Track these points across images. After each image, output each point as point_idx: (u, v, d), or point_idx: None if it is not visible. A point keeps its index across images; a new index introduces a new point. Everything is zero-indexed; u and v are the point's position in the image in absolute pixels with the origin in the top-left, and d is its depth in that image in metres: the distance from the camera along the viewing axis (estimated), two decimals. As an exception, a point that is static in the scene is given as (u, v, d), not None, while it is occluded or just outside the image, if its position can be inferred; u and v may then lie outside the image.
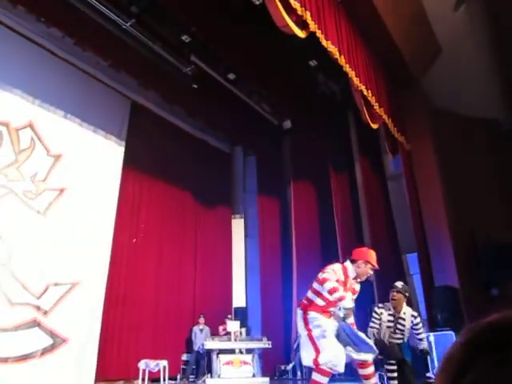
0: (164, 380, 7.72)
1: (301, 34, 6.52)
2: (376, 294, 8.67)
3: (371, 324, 4.95)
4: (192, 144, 11.81)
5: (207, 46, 8.95)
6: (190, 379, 9.31)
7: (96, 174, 9.03)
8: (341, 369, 3.80)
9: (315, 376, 3.82)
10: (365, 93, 7.65)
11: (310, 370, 4.31)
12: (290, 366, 10.02)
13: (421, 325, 4.89)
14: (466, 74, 8.67)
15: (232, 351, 8.71)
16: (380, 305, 5.10)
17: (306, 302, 4.10)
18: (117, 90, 9.85)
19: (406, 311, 4.89)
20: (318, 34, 6.46)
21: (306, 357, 3.92)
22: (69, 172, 8.50)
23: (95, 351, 8.11)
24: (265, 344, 8.80)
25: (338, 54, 6.86)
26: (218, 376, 8.32)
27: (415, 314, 4.94)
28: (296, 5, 5.88)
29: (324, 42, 6.62)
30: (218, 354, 8.54)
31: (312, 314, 3.96)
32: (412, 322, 4.84)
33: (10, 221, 7.40)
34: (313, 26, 6.31)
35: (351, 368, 4.01)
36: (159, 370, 7.74)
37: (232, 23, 8.16)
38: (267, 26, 6.83)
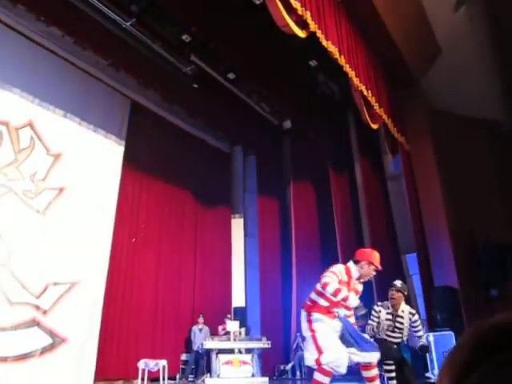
0: (163, 380, 7.72)
1: (301, 33, 6.51)
2: (375, 294, 8.67)
3: (369, 321, 4.96)
4: (192, 144, 11.81)
5: (207, 46, 8.95)
6: (190, 379, 9.31)
7: (96, 174, 9.02)
8: (343, 370, 3.80)
9: (317, 376, 3.83)
10: (365, 93, 7.65)
11: (311, 370, 4.32)
12: (290, 365, 10.03)
13: (419, 322, 4.90)
14: (466, 75, 8.66)
15: (231, 351, 8.71)
16: (379, 303, 5.11)
17: (309, 303, 4.10)
18: (117, 89, 9.84)
19: (404, 309, 4.90)
20: (318, 33, 6.45)
21: (309, 357, 3.92)
22: (68, 171, 8.49)
23: (94, 351, 8.10)
24: (264, 344, 8.80)
25: (338, 53, 6.86)
26: (218, 376, 8.32)
27: (413, 311, 4.95)
28: (296, 4, 5.88)
29: (324, 42, 6.62)
30: (217, 353, 8.54)
31: (316, 315, 3.97)
32: (410, 319, 4.85)
33: (9, 220, 7.39)
34: (313, 26, 6.31)
35: (353, 368, 4.01)
36: (158, 370, 7.74)
37: (232, 23, 8.16)
38: (267, 26, 6.84)
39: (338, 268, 4.08)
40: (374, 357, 3.97)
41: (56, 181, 8.27)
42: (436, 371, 7.08)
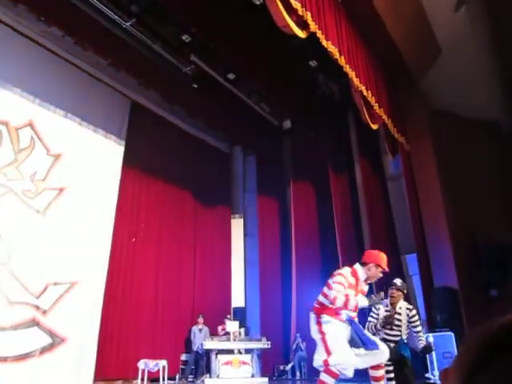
0: (163, 380, 7.72)
1: (301, 34, 6.52)
2: (375, 293, 8.66)
3: (369, 319, 4.97)
4: (192, 144, 11.82)
5: (207, 46, 8.95)
6: (189, 379, 9.31)
7: (96, 174, 9.02)
8: (350, 373, 3.81)
9: (323, 376, 3.83)
10: (365, 93, 7.65)
11: (311, 370, 4.32)
12: (289, 366, 10.02)
13: (417, 317, 4.90)
14: (467, 76, 8.66)
15: (231, 351, 8.71)
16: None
17: (318, 305, 4.10)
18: (117, 89, 9.84)
19: (402, 306, 4.91)
20: (319, 34, 6.46)
21: (318, 358, 3.92)
22: (68, 171, 8.49)
23: (94, 351, 8.10)
24: (264, 344, 8.80)
25: (338, 54, 6.86)
26: (217, 376, 8.32)
27: (410, 306, 4.96)
28: (297, 5, 5.88)
29: (324, 43, 6.62)
30: (216, 354, 8.54)
31: (325, 318, 3.97)
32: (408, 315, 4.85)
33: (9, 220, 7.39)
34: (313, 27, 6.31)
35: (358, 370, 4.02)
36: (158, 370, 7.74)
37: (232, 23, 8.16)
38: (267, 26, 6.83)
39: (345, 273, 4.07)
40: (382, 358, 3.99)
41: (56, 181, 8.27)
42: (436, 372, 7.08)
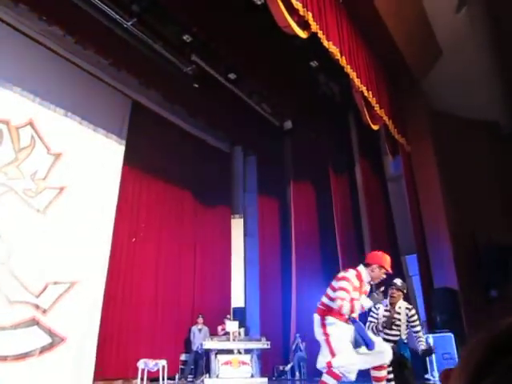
0: (163, 380, 7.72)
1: (302, 34, 6.51)
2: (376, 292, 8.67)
3: (370, 319, 4.97)
4: (192, 143, 11.82)
5: (208, 46, 8.96)
6: (189, 379, 9.31)
7: (96, 173, 9.02)
8: (352, 377, 3.81)
9: (325, 378, 3.83)
10: (366, 94, 7.65)
11: (312, 370, 4.32)
12: (289, 366, 10.02)
13: (416, 317, 4.90)
14: (467, 77, 8.67)
15: (230, 351, 8.71)
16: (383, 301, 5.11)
17: (322, 307, 4.09)
18: (118, 88, 9.85)
19: (401, 305, 4.91)
20: (320, 34, 6.46)
21: (322, 360, 3.92)
22: (69, 171, 8.49)
23: (94, 350, 8.10)
24: (263, 344, 8.80)
25: (339, 54, 6.86)
26: (217, 376, 8.32)
27: (410, 306, 4.96)
28: (298, 5, 5.88)
29: (325, 43, 6.62)
30: (216, 354, 8.54)
31: (330, 320, 3.97)
32: (407, 314, 4.86)
33: (9, 219, 7.39)
34: (314, 27, 6.31)
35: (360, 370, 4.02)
36: (158, 370, 7.74)
37: (233, 23, 8.16)
38: (268, 26, 6.84)
39: (349, 277, 4.05)
40: (385, 358, 4.00)
41: (56, 180, 8.27)
42: (436, 373, 7.08)
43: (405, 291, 5.04)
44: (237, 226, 12.64)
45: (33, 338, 7.22)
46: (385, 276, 4.22)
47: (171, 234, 10.68)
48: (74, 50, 8.67)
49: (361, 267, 4.19)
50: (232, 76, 10.13)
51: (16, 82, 7.96)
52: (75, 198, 8.45)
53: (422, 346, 4.77)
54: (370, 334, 4.14)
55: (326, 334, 3.92)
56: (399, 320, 4.84)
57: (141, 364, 7.66)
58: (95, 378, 7.96)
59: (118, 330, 8.91)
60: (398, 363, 4.61)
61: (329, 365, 3.80)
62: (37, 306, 7.43)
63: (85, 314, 8.09)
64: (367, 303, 3.99)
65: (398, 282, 4.98)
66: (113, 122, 9.69)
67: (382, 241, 9.24)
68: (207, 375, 8.63)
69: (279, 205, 12.27)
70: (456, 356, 6.98)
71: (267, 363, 9.82)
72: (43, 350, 7.32)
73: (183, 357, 9.87)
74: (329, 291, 4.11)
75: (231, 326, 9.08)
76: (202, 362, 9.32)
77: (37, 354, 7.21)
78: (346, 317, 3.98)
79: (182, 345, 10.08)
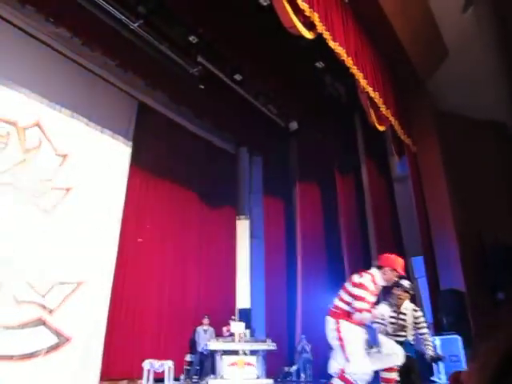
0: (168, 380, 7.72)
1: (308, 35, 6.51)
2: (381, 296, 8.63)
3: (377, 321, 4.95)
4: (198, 144, 11.84)
5: (214, 47, 8.98)
6: (194, 380, 9.30)
7: (103, 174, 9.06)
8: None
9: (336, 382, 3.82)
10: (372, 94, 7.63)
11: (322, 373, 4.31)
12: (294, 367, 9.99)
13: (423, 319, 4.88)
14: (474, 77, 8.62)
15: (236, 352, 8.69)
16: (384, 302, 5.09)
17: (337, 310, 4.07)
18: (124, 90, 9.89)
19: (408, 306, 4.90)
20: (326, 35, 6.45)
21: (334, 365, 3.91)
22: (76, 171, 8.54)
23: (100, 350, 8.13)
24: (269, 346, 8.78)
25: (345, 55, 6.85)
26: (222, 377, 8.31)
27: (416, 308, 4.95)
28: (304, 6, 5.88)
29: (331, 44, 6.60)
30: (221, 355, 8.53)
31: (345, 324, 3.94)
32: (414, 316, 4.84)
33: (16, 219, 7.44)
34: (320, 28, 6.30)
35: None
36: (163, 371, 7.74)
37: (239, 24, 8.17)
38: (274, 27, 6.83)
39: (366, 284, 3.99)
40: (397, 360, 3.99)
41: (63, 181, 8.32)
42: (442, 375, 7.03)
43: (412, 293, 5.02)
44: (242, 226, 12.64)
45: (39, 337, 7.26)
46: (396, 279, 4.24)
47: (177, 234, 10.69)
48: (80, 52, 8.72)
49: (374, 270, 4.16)
50: (238, 77, 10.14)
51: (23, 84, 8.02)
52: (82, 198, 8.49)
53: (430, 352, 4.75)
54: (382, 337, 4.12)
55: (341, 339, 3.89)
56: (405, 321, 4.82)
57: (146, 364, 7.66)
58: (100, 378, 7.98)
59: (124, 331, 8.92)
60: (405, 366, 4.59)
61: (342, 370, 3.79)
62: (43, 306, 7.47)
63: (91, 315, 8.12)
64: (386, 311, 3.98)
65: (405, 283, 4.95)
66: (119, 123, 9.73)
67: (388, 242, 9.20)
68: (212, 376, 8.62)
69: (285, 206, 12.25)
70: (463, 358, 6.93)
71: (273, 364, 9.79)
72: (49, 349, 7.35)
73: (188, 357, 9.86)
74: (343, 295, 4.08)
75: (237, 327, 9.06)
76: (207, 363, 9.31)
77: (43, 354, 7.24)
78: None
79: (187, 345, 10.07)
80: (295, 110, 11.37)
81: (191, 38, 8.87)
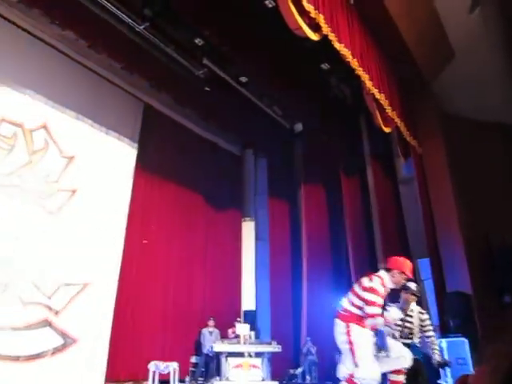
0: (174, 382, 7.72)
1: (314, 36, 6.50)
2: (387, 299, 8.60)
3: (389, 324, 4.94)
4: (203, 146, 11.85)
5: (219, 49, 8.98)
6: (199, 382, 9.29)
7: (108, 176, 9.10)
8: None
9: None
10: (377, 96, 7.61)
11: (328, 376, 4.30)
12: (299, 370, 9.96)
13: (429, 322, 4.87)
14: (480, 78, 8.57)
15: (241, 354, 8.68)
16: (390, 304, 5.07)
17: (347, 314, 4.04)
18: (130, 92, 9.92)
19: (414, 309, 4.88)
20: (331, 36, 6.44)
21: (343, 369, 3.89)
22: (81, 173, 8.57)
23: (105, 352, 8.14)
24: (274, 348, 8.75)
25: (350, 56, 6.83)
26: (227, 379, 8.30)
27: (423, 311, 4.93)
28: (309, 7, 5.87)
29: (337, 45, 6.59)
30: (227, 356, 8.52)
31: (355, 328, 3.92)
32: (420, 318, 4.82)
33: (22, 221, 7.48)
34: (326, 29, 6.29)
35: None
36: (169, 372, 7.74)
37: (244, 26, 8.18)
38: (279, 29, 6.83)
39: (377, 288, 3.97)
40: (405, 363, 3.98)
41: (69, 182, 8.36)
42: (449, 378, 6.98)
43: (418, 295, 5.00)
44: (247, 228, 12.63)
45: (45, 338, 7.29)
46: (404, 282, 4.24)
47: (182, 236, 10.70)
48: (86, 54, 8.75)
49: (383, 273, 4.14)
50: (243, 79, 10.16)
51: (29, 86, 8.06)
52: (87, 200, 8.52)
53: (437, 357, 4.72)
54: (390, 340, 4.11)
55: (351, 343, 3.87)
56: (411, 323, 4.80)
57: (152, 366, 7.67)
58: (106, 379, 7.99)
59: (130, 332, 8.93)
60: (412, 369, 4.56)
61: (351, 375, 3.77)
62: (49, 307, 7.50)
63: (96, 316, 8.14)
64: (398, 315, 3.98)
65: (412, 285, 4.93)
66: (125, 125, 9.76)
67: (394, 244, 9.17)
68: (218, 378, 8.61)
69: (290, 207, 12.24)
70: (470, 361, 6.88)
71: (278, 367, 9.76)
72: (55, 351, 7.38)
73: (194, 359, 9.85)
74: (353, 298, 4.05)
75: (242, 328, 9.05)
76: (212, 365, 9.30)
77: (49, 355, 7.27)
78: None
79: (192, 347, 10.06)
80: (300, 111, 11.36)
81: (197, 41, 8.89)
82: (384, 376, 4.09)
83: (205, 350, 9.54)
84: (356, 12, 7.51)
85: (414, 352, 4.66)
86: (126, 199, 9.37)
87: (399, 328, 4.77)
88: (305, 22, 6.24)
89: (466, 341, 7.11)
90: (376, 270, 4.29)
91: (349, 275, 9.61)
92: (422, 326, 4.83)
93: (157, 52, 9.05)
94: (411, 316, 4.83)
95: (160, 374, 7.73)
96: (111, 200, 9.01)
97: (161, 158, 10.41)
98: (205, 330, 9.86)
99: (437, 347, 4.82)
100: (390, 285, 4.11)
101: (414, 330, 4.80)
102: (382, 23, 7.80)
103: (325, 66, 9.44)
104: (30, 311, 7.20)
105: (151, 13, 8.38)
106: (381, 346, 3.91)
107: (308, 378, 9.79)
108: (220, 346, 8.58)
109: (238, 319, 10.50)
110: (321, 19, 6.12)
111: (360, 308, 3.95)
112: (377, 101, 7.85)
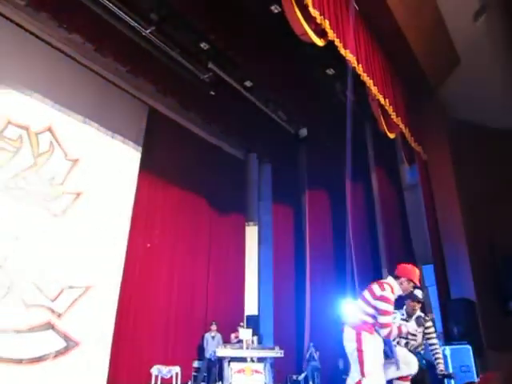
0: (175, 386, 7.71)
1: (319, 42, 6.51)
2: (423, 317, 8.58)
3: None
4: (207, 150, 11.87)
5: (225, 54, 9.01)
6: (201, 386, 9.28)
7: (112, 179, 9.12)
8: None
9: None
10: (382, 102, 7.60)
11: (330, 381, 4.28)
12: (302, 375, 9.91)
13: (432, 329, 4.83)
14: (486, 85, 8.56)
15: (244, 359, 8.66)
16: (395, 311, 5.05)
17: (358, 321, 3.99)
18: (135, 95, 9.96)
19: (418, 315, 4.85)
20: (337, 42, 6.43)
21: (351, 381, 3.87)
22: (86, 176, 8.60)
23: (107, 355, 8.13)
24: (277, 353, 8.73)
25: (356, 62, 6.83)
26: (229, 384, 8.28)
27: (427, 318, 4.90)
28: (315, 13, 5.88)
29: (342, 51, 6.59)
30: (229, 361, 8.50)
31: (366, 336, 3.88)
32: (423, 325, 4.79)
33: (27, 223, 7.50)
34: (331, 35, 6.29)
35: None
36: (171, 377, 7.73)
37: (250, 31, 8.21)
38: (285, 34, 6.85)
39: (388, 296, 3.93)
40: (411, 369, 3.96)
41: (73, 185, 8.39)
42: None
43: (422, 301, 4.98)
44: (251, 233, 12.62)
45: (48, 341, 7.29)
46: (412, 289, 4.21)
47: (185, 240, 10.71)
48: (93, 57, 8.81)
49: (391, 280, 4.11)
50: (248, 84, 10.18)
51: (36, 89, 8.12)
52: (92, 203, 8.55)
53: (441, 367, 4.68)
54: (397, 346, 4.10)
55: (361, 351, 3.83)
56: (415, 329, 4.77)
57: (154, 370, 7.67)
58: (108, 383, 7.98)
59: (132, 336, 8.93)
60: (416, 376, 4.53)
61: (358, 383, 3.75)
62: (52, 310, 7.51)
63: (99, 319, 8.14)
64: (413, 327, 3.97)
65: (418, 293, 4.89)
66: (130, 129, 9.80)
67: (398, 250, 9.13)
68: (220, 383, 8.59)
69: (294, 213, 12.22)
70: (474, 369, 6.83)
71: (280, 372, 9.74)
72: (58, 353, 7.38)
73: (196, 364, 9.84)
74: (363, 305, 4.01)
75: (245, 333, 9.03)
76: (214, 370, 9.28)
77: (51, 358, 7.27)
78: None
79: (194, 352, 10.06)
80: (305, 116, 11.37)
81: (202, 45, 8.92)
82: (390, 383, 4.07)
83: (207, 355, 9.53)
84: (361, 18, 7.51)
85: (416, 358, 4.65)
86: (129, 202, 9.39)
87: (403, 335, 4.74)
88: (310, 27, 6.24)
89: (470, 348, 7.06)
90: (380, 275, 4.28)
91: (352, 281, 9.58)
92: (425, 332, 4.80)
93: (162, 56, 9.11)
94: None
95: (162, 378, 7.73)
96: (115, 203, 9.03)
97: (165, 162, 10.43)
98: (207, 335, 9.84)
99: (440, 356, 4.77)
100: (398, 292, 4.09)
101: (418, 336, 4.77)
102: (387, 29, 7.78)
103: (330, 72, 9.45)
104: (32, 314, 7.21)
105: (157, 17, 8.43)
106: (389, 353, 3.89)
107: (311, 383, 9.75)
108: (222, 351, 8.57)
109: (241, 324, 10.49)
110: (326, 25, 6.12)
111: (372, 316, 3.92)
112: (382, 106, 7.84)
